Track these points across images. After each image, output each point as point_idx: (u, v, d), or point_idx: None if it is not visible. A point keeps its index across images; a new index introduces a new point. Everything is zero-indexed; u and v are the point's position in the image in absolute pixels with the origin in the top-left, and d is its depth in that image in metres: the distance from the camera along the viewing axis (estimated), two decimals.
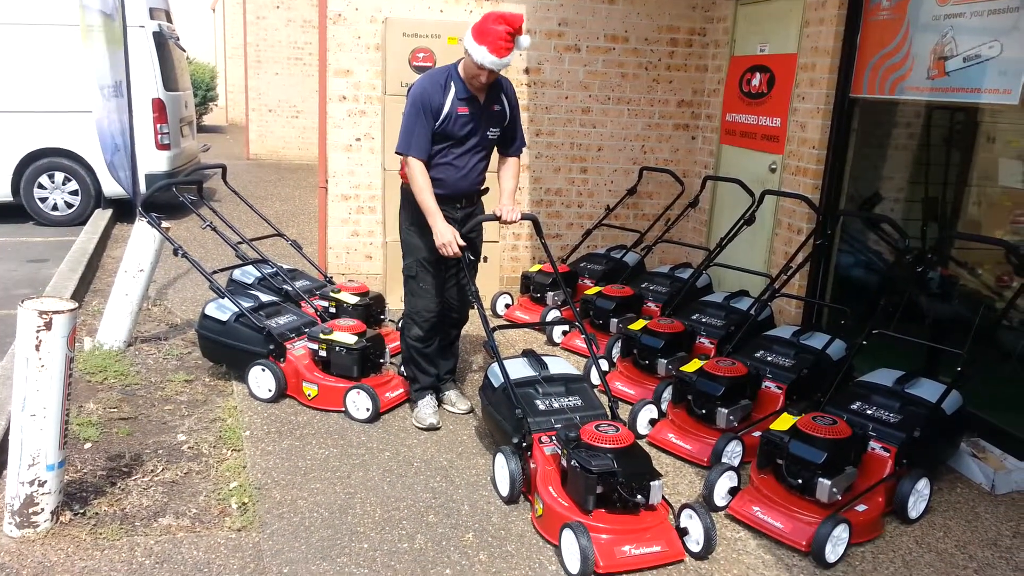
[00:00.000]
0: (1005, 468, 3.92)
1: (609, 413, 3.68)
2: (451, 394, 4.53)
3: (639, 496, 3.12)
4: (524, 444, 3.53)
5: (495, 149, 4.21)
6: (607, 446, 3.19)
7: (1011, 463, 3.97)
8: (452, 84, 3.92)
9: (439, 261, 4.16)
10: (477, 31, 3.77)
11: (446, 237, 3.88)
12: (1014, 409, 4.21)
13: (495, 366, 3.88)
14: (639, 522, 3.15)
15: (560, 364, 4.03)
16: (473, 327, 4.67)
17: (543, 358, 4.01)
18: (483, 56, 3.73)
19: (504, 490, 3.56)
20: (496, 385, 3.89)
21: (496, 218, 4.01)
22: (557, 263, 6.24)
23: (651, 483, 3.14)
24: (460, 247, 3.89)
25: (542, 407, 3.70)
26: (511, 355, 4.06)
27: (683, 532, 3.18)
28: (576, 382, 3.91)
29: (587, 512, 3.14)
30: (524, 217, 4.05)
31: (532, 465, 3.49)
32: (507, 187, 4.17)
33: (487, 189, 4.32)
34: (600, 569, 3.00)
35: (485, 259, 5.15)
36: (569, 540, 3.03)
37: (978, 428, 4.19)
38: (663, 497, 3.25)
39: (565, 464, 3.27)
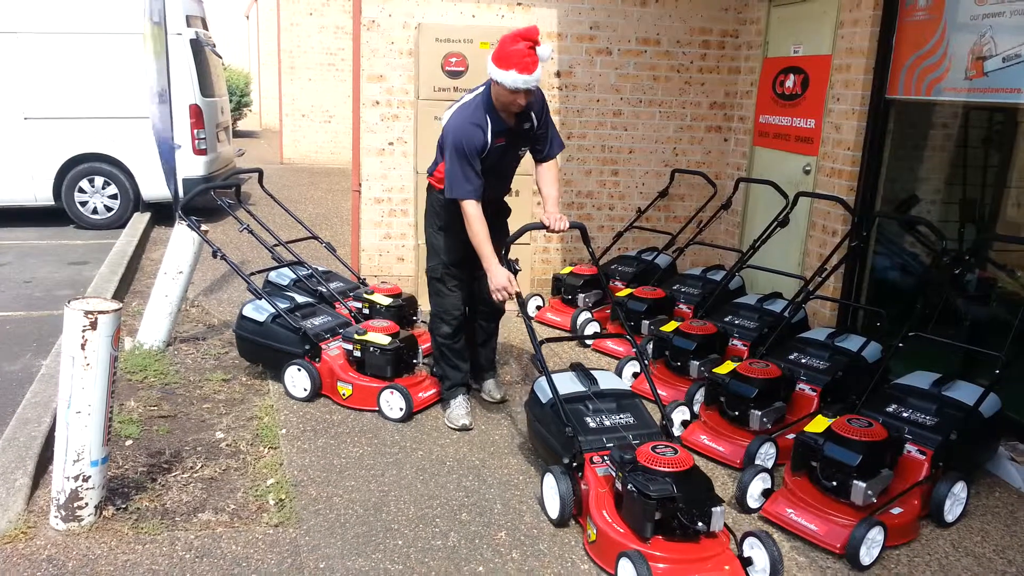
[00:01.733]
0: None
1: (664, 433, 3.58)
2: (489, 383, 4.56)
3: (700, 523, 2.96)
4: (575, 464, 3.38)
5: (529, 154, 4.22)
6: (665, 469, 3.02)
7: None
8: (489, 121, 3.87)
9: (464, 262, 4.20)
10: (499, 57, 3.69)
11: (501, 282, 3.85)
12: None
13: (542, 380, 3.75)
14: (700, 551, 2.97)
15: (610, 379, 3.89)
16: (515, 336, 4.68)
17: (592, 373, 3.87)
18: (514, 79, 3.66)
19: (554, 513, 3.40)
20: (544, 401, 3.72)
21: (544, 227, 3.94)
22: (587, 265, 6.26)
23: (712, 509, 2.97)
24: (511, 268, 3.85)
25: (593, 425, 3.54)
26: (548, 362, 4.00)
27: (746, 562, 2.99)
28: (627, 398, 3.76)
29: (645, 539, 2.97)
30: (573, 226, 3.95)
31: (583, 487, 3.32)
32: (550, 194, 4.12)
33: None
34: None
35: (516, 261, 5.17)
36: (627, 570, 2.88)
37: (1016, 432, 4.12)
38: (724, 524, 3.06)
39: (620, 487, 3.10)
